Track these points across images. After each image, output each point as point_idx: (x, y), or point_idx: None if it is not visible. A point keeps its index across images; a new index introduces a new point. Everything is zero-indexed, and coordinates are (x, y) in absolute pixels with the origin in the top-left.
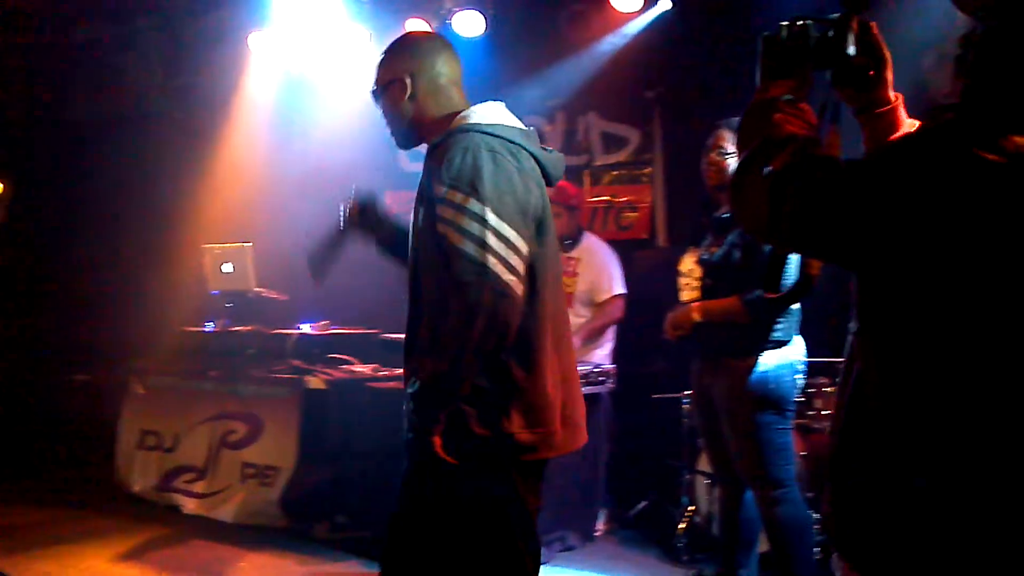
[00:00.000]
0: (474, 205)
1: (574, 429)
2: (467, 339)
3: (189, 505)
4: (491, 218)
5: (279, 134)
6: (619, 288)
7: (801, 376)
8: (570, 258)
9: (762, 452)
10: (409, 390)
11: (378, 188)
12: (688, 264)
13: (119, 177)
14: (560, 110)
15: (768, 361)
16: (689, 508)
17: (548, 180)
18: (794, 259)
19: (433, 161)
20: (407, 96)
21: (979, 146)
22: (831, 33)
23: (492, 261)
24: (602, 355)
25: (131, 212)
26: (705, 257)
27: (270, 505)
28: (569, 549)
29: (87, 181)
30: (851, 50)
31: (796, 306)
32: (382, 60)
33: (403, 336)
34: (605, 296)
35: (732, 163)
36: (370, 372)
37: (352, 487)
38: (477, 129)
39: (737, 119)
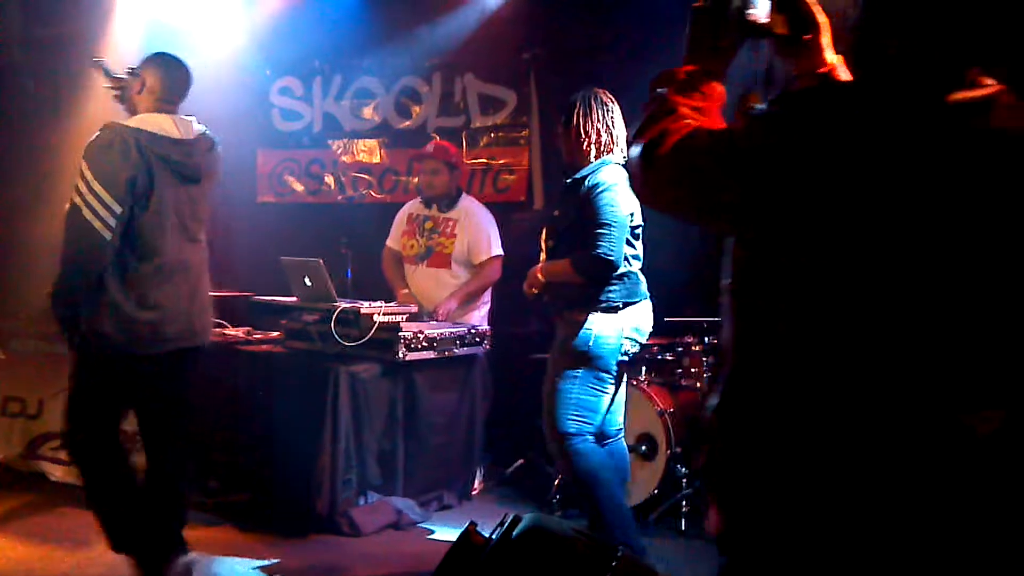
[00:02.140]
0: (85, 171)
1: (169, 341)
2: (65, 265)
3: (57, 472)
4: (89, 180)
5: None
6: (497, 250)
7: (632, 343)
8: (448, 219)
9: (560, 405)
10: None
11: (251, 145)
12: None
13: None
14: (437, 71)
15: (594, 322)
16: None
17: (184, 178)
18: (621, 233)
19: None
20: (137, 92)
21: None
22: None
23: (85, 210)
24: (479, 316)
25: None
26: (548, 220)
27: (141, 472)
28: (447, 508)
29: None
30: (758, 16)
31: (637, 271)
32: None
33: (274, 298)
34: (483, 258)
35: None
36: (242, 335)
37: (223, 452)
38: (116, 125)
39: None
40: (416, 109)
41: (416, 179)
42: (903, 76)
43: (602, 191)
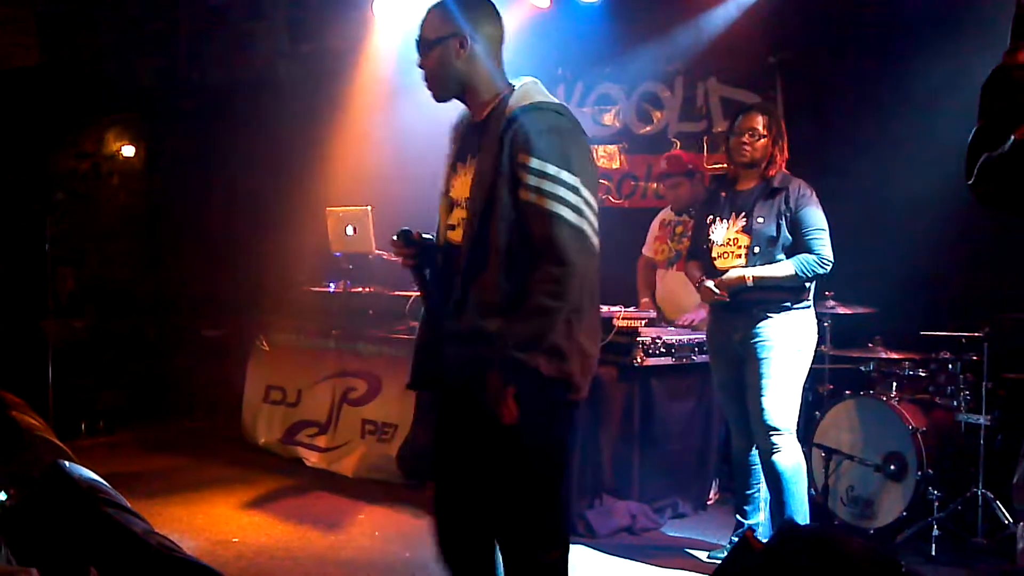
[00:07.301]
0: (569, 177)
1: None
2: (567, 299)
3: (312, 458)
4: (584, 190)
5: (401, 98)
6: None
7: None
8: None
9: (781, 401)
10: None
11: None
12: (726, 233)
13: (250, 141)
14: (679, 75)
15: (804, 321)
16: None
17: None
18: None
19: (510, 133)
20: (464, 54)
21: None
22: None
23: (587, 226)
24: None
25: (261, 176)
26: (754, 227)
27: (388, 461)
28: (681, 516)
29: (220, 146)
30: None
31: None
32: (440, 12)
33: None
34: None
35: (763, 144)
36: None
37: None
38: (549, 108)
39: (766, 102)
40: (657, 115)
41: (654, 184)
42: None
43: (811, 199)
